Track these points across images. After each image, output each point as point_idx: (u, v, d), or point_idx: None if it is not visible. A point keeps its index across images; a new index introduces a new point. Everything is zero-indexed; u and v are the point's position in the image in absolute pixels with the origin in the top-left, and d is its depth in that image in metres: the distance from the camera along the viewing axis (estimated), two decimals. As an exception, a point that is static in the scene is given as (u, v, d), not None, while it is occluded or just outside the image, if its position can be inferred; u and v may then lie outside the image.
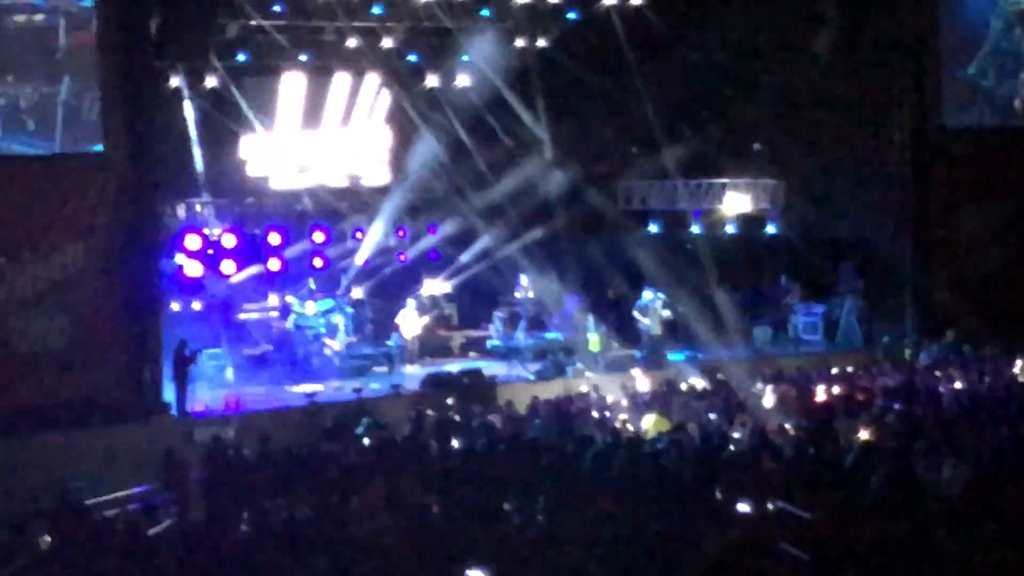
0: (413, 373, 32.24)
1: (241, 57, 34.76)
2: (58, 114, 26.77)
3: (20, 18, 26.36)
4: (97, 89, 26.92)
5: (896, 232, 34.64)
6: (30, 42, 26.54)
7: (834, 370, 29.60)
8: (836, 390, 26.28)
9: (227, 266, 33.90)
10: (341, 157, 36.95)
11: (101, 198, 27.09)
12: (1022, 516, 11.60)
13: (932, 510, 13.31)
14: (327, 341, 32.57)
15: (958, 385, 25.87)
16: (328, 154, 36.61)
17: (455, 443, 22.04)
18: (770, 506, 14.19)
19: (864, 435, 20.53)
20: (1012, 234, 35.33)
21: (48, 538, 15.35)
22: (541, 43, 37.08)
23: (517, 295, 36.05)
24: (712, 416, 23.71)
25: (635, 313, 33.44)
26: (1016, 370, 27.54)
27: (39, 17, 26.52)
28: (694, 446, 20.06)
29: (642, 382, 29.46)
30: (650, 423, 23.33)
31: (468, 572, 10.04)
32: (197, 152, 33.90)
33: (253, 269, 34.41)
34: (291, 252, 35.35)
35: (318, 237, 35.79)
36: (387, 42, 36.01)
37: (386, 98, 37.30)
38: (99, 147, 27.15)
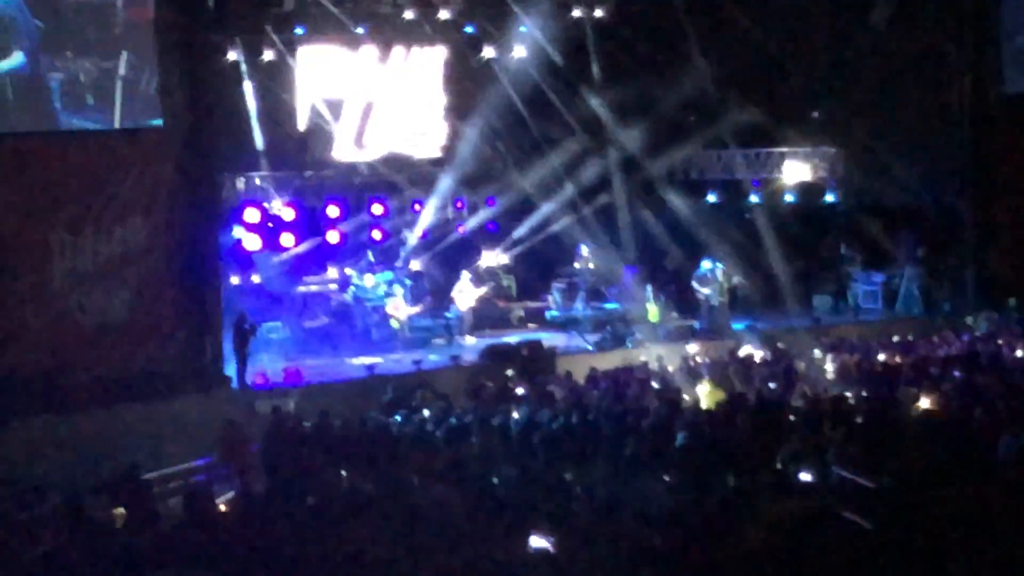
0: (472, 344, 32.28)
1: (298, 30, 34.78)
2: (117, 89, 26.87)
3: (78, -7, 26.51)
4: (155, 64, 27.00)
5: (957, 200, 34.47)
6: (88, 18, 26.63)
7: (895, 338, 29.49)
8: (897, 359, 26.19)
9: (286, 239, 34.13)
10: (399, 128, 36.94)
11: (161, 172, 27.22)
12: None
13: (995, 478, 13.24)
14: (390, 312, 32.63)
15: (1020, 353, 25.72)
16: (385, 125, 36.60)
17: (515, 414, 22.06)
18: (832, 475, 14.16)
19: (925, 403, 20.47)
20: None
21: (121, 510, 15.48)
22: (598, 13, 36.83)
23: (576, 266, 36.06)
24: (772, 385, 23.68)
25: (694, 283, 33.42)
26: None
27: (97, -8, 26.65)
28: (753, 415, 20.03)
29: (701, 352, 29.40)
30: (705, 392, 23.33)
31: (531, 539, 10.06)
32: (256, 125, 33.99)
33: (312, 242, 34.65)
34: (350, 225, 35.54)
35: (376, 209, 35.99)
36: (444, 14, 35.92)
37: (443, 70, 37.33)
38: (158, 121, 27.24)
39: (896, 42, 34.36)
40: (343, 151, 35.88)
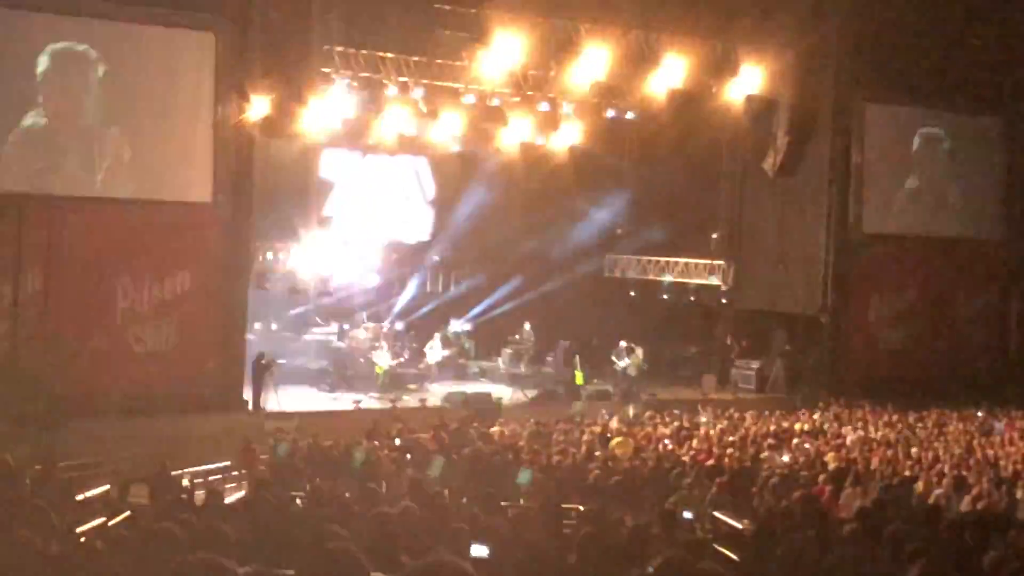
0: (437, 391, 32.18)
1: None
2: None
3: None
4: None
5: (819, 310, 34.67)
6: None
7: (764, 413, 29.48)
8: (765, 428, 26.22)
9: (306, 300, 34.41)
10: (396, 221, 37.33)
11: (208, 238, 27.34)
12: (899, 536, 11.58)
13: (831, 526, 13.28)
14: (375, 361, 32.49)
15: (859, 431, 25.81)
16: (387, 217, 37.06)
17: (465, 448, 22.04)
18: (708, 515, 14.21)
19: (785, 459, 20.63)
20: (911, 317, 35.61)
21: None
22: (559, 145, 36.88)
23: (521, 336, 36.06)
24: (667, 443, 23.69)
25: (612, 357, 33.48)
26: (911, 421, 27.45)
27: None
28: (651, 465, 20.07)
29: (614, 412, 29.27)
30: (615, 443, 23.27)
31: (473, 546, 10.03)
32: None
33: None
34: (351, 290, 35.76)
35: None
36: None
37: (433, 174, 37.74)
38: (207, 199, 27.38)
39: (781, 184, 34.66)
40: (350, 230, 36.18)
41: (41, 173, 25.60)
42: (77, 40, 25.79)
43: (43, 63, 25.43)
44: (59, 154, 25.80)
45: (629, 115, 34.85)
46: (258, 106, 27.80)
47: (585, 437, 24.06)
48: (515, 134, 34.97)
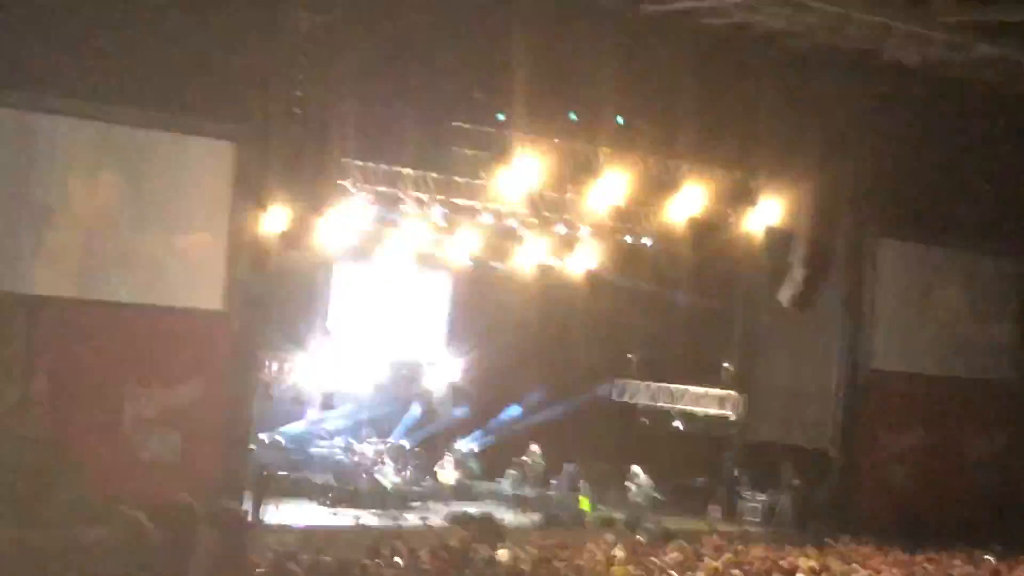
0: (440, 510, 31.95)
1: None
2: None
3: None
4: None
5: (828, 444, 34.60)
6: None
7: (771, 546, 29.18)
8: (770, 562, 25.94)
9: (311, 412, 34.41)
10: (407, 338, 37.22)
11: (218, 346, 27.29)
12: None
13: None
14: (378, 478, 32.32)
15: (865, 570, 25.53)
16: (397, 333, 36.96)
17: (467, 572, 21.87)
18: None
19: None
20: (921, 456, 35.38)
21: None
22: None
23: (527, 459, 35.89)
24: (672, 573, 23.43)
25: (627, 483, 33.47)
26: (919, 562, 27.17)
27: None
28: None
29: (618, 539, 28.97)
30: (617, 572, 23.05)
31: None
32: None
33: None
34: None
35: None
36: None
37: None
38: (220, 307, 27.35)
39: (795, 317, 34.73)
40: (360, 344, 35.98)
41: (53, 275, 25.62)
42: (95, 145, 25.92)
43: (59, 167, 25.55)
44: (71, 257, 25.80)
45: (645, 240, 34.99)
46: (275, 218, 27.93)
47: (587, 565, 23.85)
48: (532, 255, 35.07)
